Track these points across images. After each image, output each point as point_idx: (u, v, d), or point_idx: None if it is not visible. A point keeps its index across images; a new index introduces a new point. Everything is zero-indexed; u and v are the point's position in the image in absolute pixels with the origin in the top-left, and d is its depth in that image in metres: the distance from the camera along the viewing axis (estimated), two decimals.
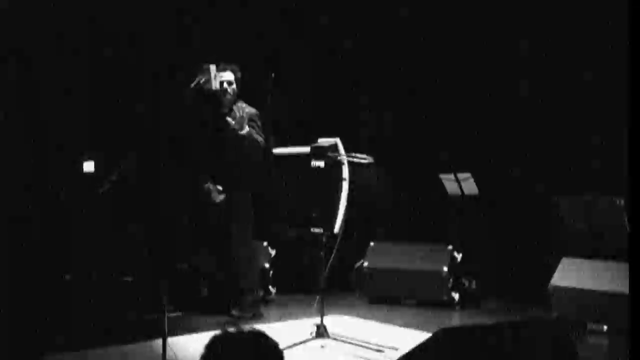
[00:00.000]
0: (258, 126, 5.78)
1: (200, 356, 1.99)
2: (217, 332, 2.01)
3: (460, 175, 7.06)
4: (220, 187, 5.80)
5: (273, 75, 5.90)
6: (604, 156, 6.44)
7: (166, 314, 4.15)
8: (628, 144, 3.51)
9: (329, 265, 5.15)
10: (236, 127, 5.56)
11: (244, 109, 5.79)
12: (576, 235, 6.22)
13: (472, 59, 7.44)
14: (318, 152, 5.16)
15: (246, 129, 5.60)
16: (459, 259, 6.66)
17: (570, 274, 5.77)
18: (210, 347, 1.98)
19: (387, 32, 7.84)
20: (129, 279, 5.88)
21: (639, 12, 3.61)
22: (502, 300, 6.69)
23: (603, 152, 6.48)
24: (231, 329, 2.01)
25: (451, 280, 6.54)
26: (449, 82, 7.60)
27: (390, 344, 4.98)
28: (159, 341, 4.18)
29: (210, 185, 5.82)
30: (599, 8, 6.52)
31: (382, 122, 8.09)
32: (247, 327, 2.03)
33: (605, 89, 6.48)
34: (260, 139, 5.73)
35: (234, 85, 5.83)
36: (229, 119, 5.66)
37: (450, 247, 6.68)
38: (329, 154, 5.15)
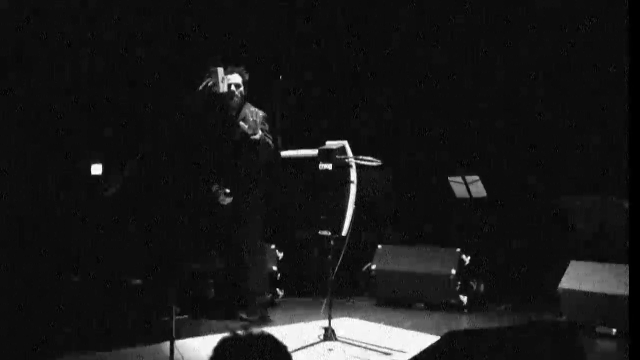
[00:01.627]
0: (266, 129, 5.77)
1: (208, 359, 1.99)
2: (226, 334, 2.01)
3: (468, 178, 7.06)
4: (227, 190, 5.78)
5: (281, 77, 5.90)
6: (610, 157, 6.42)
7: (174, 317, 4.15)
8: (628, 144, 3.49)
9: (336, 267, 5.14)
10: (249, 131, 5.51)
11: (257, 112, 5.75)
12: (584, 237, 6.21)
13: (475, 59, 7.44)
14: (326, 155, 5.14)
15: (259, 133, 5.56)
16: (467, 262, 6.63)
17: (579, 277, 5.75)
18: (219, 349, 1.98)
19: (389, 32, 7.85)
20: (137, 281, 5.89)
21: (639, 12, 3.59)
22: (510, 303, 6.67)
23: (609, 153, 6.46)
24: (239, 332, 2.01)
25: (459, 283, 6.52)
26: (455, 84, 7.59)
27: (398, 347, 4.97)
28: (167, 344, 4.19)
29: (217, 188, 5.81)
30: (600, 8, 6.52)
31: (389, 124, 8.08)
32: (255, 330, 2.03)
33: (606, 89, 6.49)
34: (270, 142, 5.71)
35: (242, 88, 5.82)
36: (241, 123, 5.60)
37: (458, 249, 6.66)
38: (337, 156, 5.13)
